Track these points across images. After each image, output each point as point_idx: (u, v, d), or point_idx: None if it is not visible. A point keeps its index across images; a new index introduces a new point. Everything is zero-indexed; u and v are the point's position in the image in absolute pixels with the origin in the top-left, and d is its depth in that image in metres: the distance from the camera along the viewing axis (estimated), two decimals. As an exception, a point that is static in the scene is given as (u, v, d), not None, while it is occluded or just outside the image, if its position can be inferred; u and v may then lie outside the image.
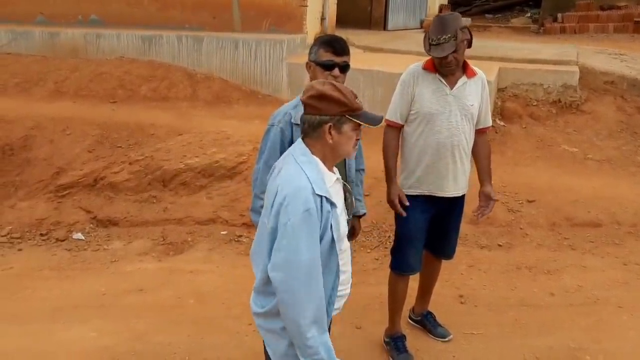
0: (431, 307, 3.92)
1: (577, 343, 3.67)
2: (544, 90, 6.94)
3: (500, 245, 4.91)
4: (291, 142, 2.75)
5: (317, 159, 2.17)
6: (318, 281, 2.06)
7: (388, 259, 3.65)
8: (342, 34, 8.48)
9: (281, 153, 2.70)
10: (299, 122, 2.71)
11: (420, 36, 10.15)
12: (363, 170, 3.27)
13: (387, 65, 6.96)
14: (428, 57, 3.25)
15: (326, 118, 2.14)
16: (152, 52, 7.62)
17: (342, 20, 8.97)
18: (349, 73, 7.32)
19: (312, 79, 2.83)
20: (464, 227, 5.06)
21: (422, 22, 11.12)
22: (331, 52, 2.76)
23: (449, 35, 3.02)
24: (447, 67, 3.12)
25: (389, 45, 8.37)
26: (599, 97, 7.04)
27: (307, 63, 2.85)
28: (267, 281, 2.14)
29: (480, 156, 3.40)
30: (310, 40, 7.84)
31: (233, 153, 5.87)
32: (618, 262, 4.64)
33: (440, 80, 3.19)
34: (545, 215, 5.24)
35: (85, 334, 3.85)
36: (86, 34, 7.87)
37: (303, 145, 2.20)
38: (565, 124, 6.74)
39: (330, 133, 2.14)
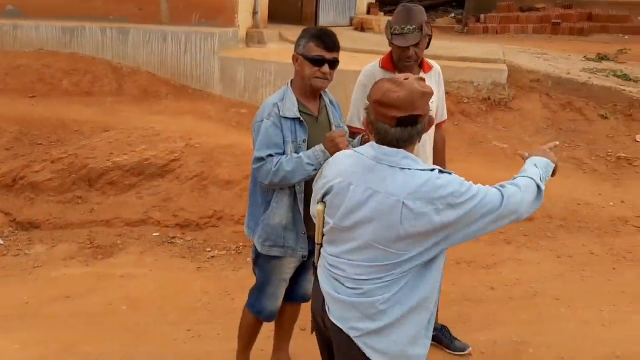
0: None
1: (519, 336, 3.71)
2: (474, 88, 7.09)
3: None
4: (282, 135, 2.68)
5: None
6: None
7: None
8: (274, 28, 8.35)
9: (275, 145, 2.65)
10: (287, 115, 2.68)
11: (351, 33, 10.19)
12: None
13: (322, 61, 6.90)
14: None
15: (428, 116, 2.04)
16: (74, 45, 7.18)
17: (273, 15, 8.82)
18: (282, 69, 7.32)
19: (298, 72, 2.74)
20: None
21: (351, 19, 11.13)
22: (322, 48, 2.64)
23: (414, 27, 2.95)
24: (406, 60, 3.04)
25: (321, 41, 8.29)
26: (526, 95, 7.25)
27: (293, 55, 2.72)
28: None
29: (435, 151, 3.36)
30: (242, 34, 7.66)
31: (164, 150, 5.62)
32: (552, 255, 4.77)
33: None
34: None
35: (7, 347, 3.54)
36: (2, 25, 7.33)
37: (395, 150, 2.01)
38: (495, 121, 6.90)
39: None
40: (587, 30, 11.93)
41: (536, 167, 2.21)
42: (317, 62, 2.65)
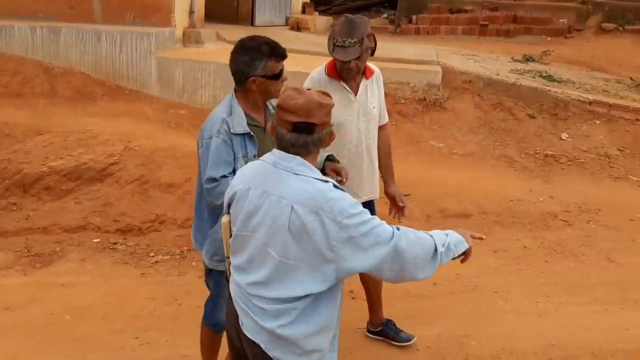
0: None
1: (462, 330, 3.88)
2: (411, 89, 7.28)
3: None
4: (233, 153, 2.64)
5: None
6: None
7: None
8: (212, 28, 8.28)
9: (227, 163, 2.61)
10: (237, 131, 2.63)
11: (288, 33, 10.23)
12: None
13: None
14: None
15: (328, 129, 2.07)
16: (2, 44, 6.88)
17: (210, 14, 8.73)
18: (221, 70, 7.32)
19: (256, 92, 2.66)
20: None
21: (287, 19, 11.18)
22: (280, 60, 2.62)
23: (355, 40, 2.98)
24: (347, 72, 3.11)
25: (259, 41, 8.28)
26: (459, 95, 7.52)
27: (252, 79, 2.61)
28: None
29: (381, 155, 3.44)
30: (179, 34, 7.56)
31: (102, 154, 5.48)
32: (489, 250, 4.97)
33: (345, 88, 3.17)
34: (421, 208, 5.49)
35: (-57, 364, 3.38)
36: None
37: (292, 156, 2.04)
38: (431, 121, 7.12)
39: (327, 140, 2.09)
40: (513, 31, 12.46)
41: (447, 236, 2.16)
42: (280, 75, 2.64)
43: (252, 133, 2.69)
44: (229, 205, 2.17)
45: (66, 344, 3.65)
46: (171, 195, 5.30)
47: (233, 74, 2.67)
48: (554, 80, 8.09)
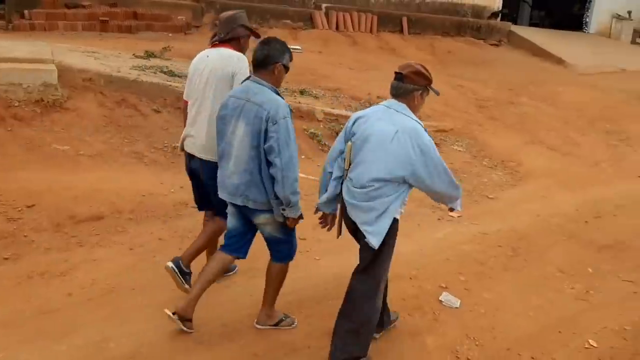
0: None
1: (101, 334, 3.81)
2: (24, 90, 6.75)
3: (6, 259, 4.58)
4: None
5: None
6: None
7: None
8: None
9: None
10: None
11: None
12: None
13: None
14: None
15: (418, 87, 3.47)
16: None
17: None
18: None
19: (278, 79, 3.57)
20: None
21: None
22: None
23: None
24: None
25: None
26: (81, 94, 7.27)
27: (278, 65, 3.51)
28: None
29: None
30: None
31: None
32: (125, 248, 4.95)
33: None
34: (49, 217, 5.16)
35: None
36: None
37: (399, 102, 3.49)
38: (52, 123, 6.72)
39: (418, 98, 3.49)
40: (135, 28, 12.54)
41: None
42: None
43: None
44: (352, 124, 3.56)
45: None
46: None
47: (262, 59, 3.48)
48: (175, 75, 8.43)
